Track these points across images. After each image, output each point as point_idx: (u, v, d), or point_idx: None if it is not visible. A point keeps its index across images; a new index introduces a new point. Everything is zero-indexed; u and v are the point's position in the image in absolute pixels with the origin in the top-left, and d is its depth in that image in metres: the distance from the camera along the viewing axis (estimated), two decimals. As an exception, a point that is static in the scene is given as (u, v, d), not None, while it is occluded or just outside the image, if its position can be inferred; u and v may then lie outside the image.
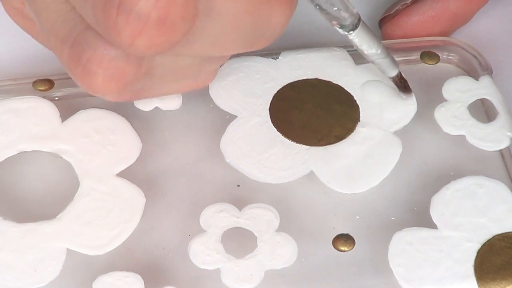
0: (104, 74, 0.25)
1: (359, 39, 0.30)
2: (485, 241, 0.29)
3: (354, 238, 0.30)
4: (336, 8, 0.28)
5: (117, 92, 0.26)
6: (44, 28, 0.26)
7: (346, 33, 0.30)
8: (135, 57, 0.25)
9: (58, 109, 0.32)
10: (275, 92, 0.33)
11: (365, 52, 0.31)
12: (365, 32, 0.30)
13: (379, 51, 0.31)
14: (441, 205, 0.30)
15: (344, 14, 0.29)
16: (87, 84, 0.26)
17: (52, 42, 0.26)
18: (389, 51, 0.32)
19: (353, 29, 0.30)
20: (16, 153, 0.31)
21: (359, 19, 0.29)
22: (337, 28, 0.29)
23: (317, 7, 0.28)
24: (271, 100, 0.33)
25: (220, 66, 0.32)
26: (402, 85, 0.32)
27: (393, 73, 0.32)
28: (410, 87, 0.33)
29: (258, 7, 0.26)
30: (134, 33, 0.23)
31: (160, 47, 0.24)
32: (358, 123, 0.32)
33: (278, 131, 0.32)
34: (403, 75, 0.32)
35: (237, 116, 0.32)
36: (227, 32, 0.26)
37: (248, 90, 0.33)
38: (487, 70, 0.34)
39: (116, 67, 0.25)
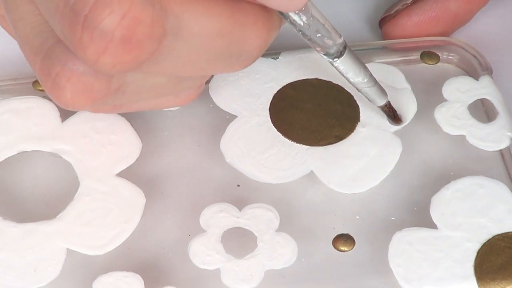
0: (72, 89, 0.25)
1: (345, 67, 0.29)
2: (485, 241, 0.29)
3: (354, 238, 0.30)
4: (319, 35, 0.27)
5: (87, 107, 0.26)
6: (19, 38, 0.26)
7: (330, 60, 0.29)
8: (104, 74, 0.25)
9: (58, 109, 0.32)
10: (275, 92, 0.33)
11: (351, 80, 0.30)
12: (352, 59, 0.29)
13: (365, 80, 0.30)
14: (441, 205, 0.30)
15: (328, 42, 0.28)
16: (56, 98, 0.26)
17: (26, 52, 0.26)
18: (388, 51, 0.32)
19: (338, 57, 0.28)
20: (16, 153, 0.31)
21: (345, 46, 0.28)
22: (322, 55, 0.28)
23: (300, 32, 0.27)
24: (271, 100, 0.33)
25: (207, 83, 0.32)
26: (391, 114, 0.32)
27: (382, 102, 0.31)
28: (399, 116, 0.32)
29: (231, 30, 0.25)
30: (98, 51, 0.23)
31: (126, 65, 0.24)
32: (358, 123, 0.32)
33: (278, 131, 0.32)
34: (392, 104, 0.32)
35: (237, 116, 0.32)
36: (199, 54, 0.25)
37: (248, 90, 0.33)
38: (487, 70, 0.34)
39: (85, 83, 0.25)
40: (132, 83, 0.26)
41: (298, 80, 0.34)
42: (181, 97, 0.29)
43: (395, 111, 0.32)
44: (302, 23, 0.27)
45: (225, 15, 0.25)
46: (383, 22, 0.37)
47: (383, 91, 0.31)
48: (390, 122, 0.32)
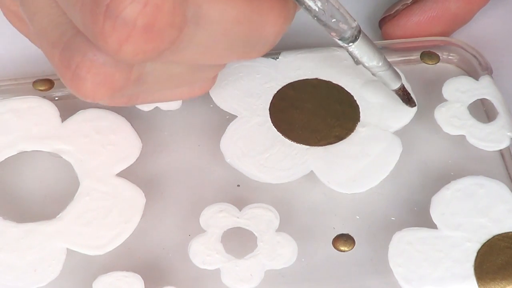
0: (93, 80, 0.25)
1: (359, 51, 0.29)
2: (485, 241, 0.29)
3: (354, 238, 0.30)
4: (334, 20, 0.27)
5: (107, 98, 0.26)
6: (37, 31, 0.26)
7: (346, 45, 0.29)
8: (124, 64, 0.25)
9: (58, 109, 0.32)
10: (275, 92, 0.33)
11: (366, 65, 0.30)
12: (366, 44, 0.29)
13: (380, 64, 0.30)
14: (441, 205, 0.30)
15: (343, 26, 0.28)
16: (76, 89, 0.25)
17: (44, 45, 0.26)
18: (388, 51, 0.32)
19: (353, 41, 0.29)
20: (16, 153, 0.31)
21: (359, 31, 0.29)
22: (337, 40, 0.29)
23: (315, 18, 0.27)
24: (271, 100, 0.33)
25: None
26: (405, 97, 0.32)
27: (396, 85, 0.31)
28: (414, 100, 0.32)
29: (249, 16, 0.25)
30: (121, 39, 0.23)
31: (147, 54, 0.24)
32: (358, 123, 0.32)
33: (278, 131, 0.32)
34: (406, 87, 0.32)
35: (237, 116, 0.32)
36: (218, 41, 0.26)
37: (248, 90, 0.33)
38: (487, 70, 0.34)
39: (105, 73, 0.25)
40: (151, 73, 0.27)
41: (298, 80, 0.34)
42: (196, 88, 0.30)
43: (409, 94, 0.32)
44: (317, 9, 0.27)
45: (243, 2, 0.25)
46: (383, 22, 0.37)
47: (397, 75, 0.31)
48: (405, 105, 0.32)
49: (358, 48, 0.29)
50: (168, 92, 0.29)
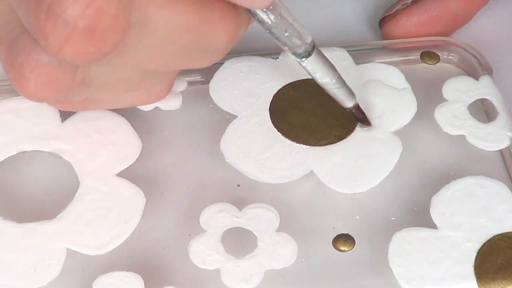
0: (36, 80, 0.25)
1: (312, 67, 0.29)
2: (485, 241, 0.29)
3: (354, 238, 0.30)
4: (287, 34, 0.27)
5: (51, 99, 0.26)
6: None
7: (299, 60, 0.28)
8: (68, 65, 0.25)
9: (58, 109, 0.32)
10: (275, 92, 0.33)
11: (319, 81, 0.30)
12: (320, 60, 0.29)
13: (333, 81, 0.30)
14: (441, 205, 0.30)
15: (297, 41, 0.27)
16: (20, 88, 0.25)
17: None
18: (388, 51, 0.31)
19: (306, 57, 0.28)
20: (16, 153, 0.31)
21: (314, 47, 0.28)
22: (290, 54, 0.28)
23: (268, 31, 0.27)
24: (271, 100, 0.33)
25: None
26: (360, 116, 0.32)
27: (350, 104, 0.31)
28: (368, 119, 0.32)
29: (197, 24, 0.25)
30: (61, 40, 0.23)
31: (89, 56, 0.23)
32: (358, 123, 0.32)
33: (278, 131, 0.32)
34: (360, 106, 0.31)
35: (237, 116, 0.32)
36: (164, 47, 0.25)
37: (248, 90, 0.33)
38: (487, 70, 0.34)
39: (49, 73, 0.25)
40: (97, 76, 0.26)
41: (298, 80, 0.34)
42: (151, 94, 0.29)
43: (364, 113, 0.32)
44: (270, 22, 0.26)
45: (191, 9, 0.25)
46: (383, 22, 0.37)
47: (351, 93, 0.31)
48: (359, 125, 0.32)
49: (311, 64, 0.29)
50: (122, 96, 0.29)
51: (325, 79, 0.29)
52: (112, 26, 0.23)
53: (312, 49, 0.28)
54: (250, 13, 0.26)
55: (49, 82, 0.25)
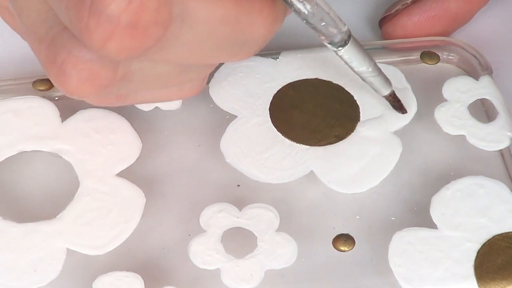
0: (78, 76, 0.25)
1: (349, 56, 0.29)
2: (485, 241, 0.29)
3: (354, 238, 0.30)
4: (324, 24, 0.27)
5: (93, 95, 0.26)
6: (25, 26, 0.26)
7: (335, 49, 0.29)
8: (110, 61, 0.25)
9: (58, 109, 0.32)
10: (275, 92, 0.33)
11: (355, 70, 0.30)
12: (356, 49, 0.29)
13: (370, 69, 0.30)
14: (441, 205, 0.30)
15: (333, 30, 0.28)
16: (62, 85, 0.25)
17: (31, 41, 0.26)
18: (388, 51, 0.32)
19: (343, 46, 0.28)
20: (16, 153, 0.31)
21: (350, 36, 0.28)
22: (326, 44, 0.28)
23: (305, 21, 0.27)
24: (271, 100, 0.33)
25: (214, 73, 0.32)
26: (396, 104, 0.32)
27: (386, 91, 0.31)
28: (404, 107, 0.32)
29: (237, 17, 0.25)
30: (105, 36, 0.23)
31: (132, 51, 0.24)
32: (358, 123, 0.32)
33: (278, 131, 0.32)
34: (396, 94, 0.32)
35: (237, 116, 0.32)
36: (204, 41, 0.25)
37: (248, 90, 0.33)
38: (487, 70, 0.34)
39: (91, 70, 0.25)
40: (138, 71, 0.27)
41: (298, 80, 0.34)
42: (185, 89, 0.29)
43: (400, 101, 0.32)
44: (306, 12, 0.27)
45: (231, 2, 0.25)
46: (383, 22, 0.37)
47: (387, 81, 0.31)
48: (396, 111, 0.32)
49: (347, 53, 0.29)
50: (157, 92, 0.29)
51: (361, 68, 0.30)
52: (154, 20, 0.23)
53: (348, 38, 0.28)
54: (287, 4, 0.26)
55: (91, 78, 0.25)
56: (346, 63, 0.30)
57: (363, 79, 0.31)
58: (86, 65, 0.25)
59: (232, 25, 0.25)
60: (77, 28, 0.23)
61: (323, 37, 0.28)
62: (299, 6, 0.26)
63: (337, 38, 0.28)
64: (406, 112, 0.32)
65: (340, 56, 0.29)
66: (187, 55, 0.26)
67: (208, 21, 0.25)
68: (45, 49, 0.25)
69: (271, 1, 0.26)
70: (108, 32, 0.23)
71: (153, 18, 0.23)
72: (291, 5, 0.26)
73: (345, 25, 0.28)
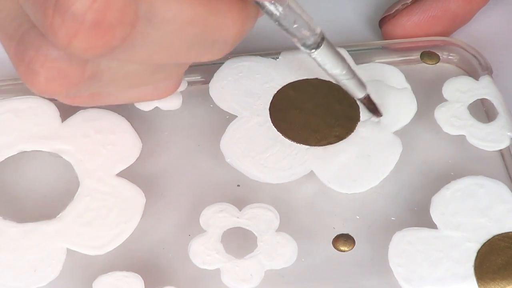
0: (46, 74, 0.25)
1: (322, 58, 0.29)
2: (485, 241, 0.29)
3: (354, 238, 0.30)
4: (296, 26, 0.27)
5: (62, 93, 0.26)
6: None
7: (308, 51, 0.28)
8: (78, 59, 0.25)
9: (58, 109, 0.32)
10: (275, 92, 0.33)
11: (329, 72, 0.29)
12: (329, 51, 0.29)
13: (344, 72, 0.30)
14: (441, 205, 0.30)
15: (306, 32, 0.27)
16: (30, 84, 0.25)
17: (2, 38, 0.26)
18: (388, 51, 0.32)
19: (316, 48, 0.28)
20: (16, 153, 0.31)
21: (323, 38, 0.28)
22: (299, 46, 0.28)
23: (277, 23, 0.27)
24: (271, 100, 0.33)
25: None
26: (371, 107, 0.32)
27: (361, 94, 0.31)
28: (379, 110, 0.32)
29: (205, 17, 0.25)
30: (70, 34, 0.23)
31: (97, 50, 0.24)
32: (358, 123, 0.32)
33: (278, 131, 0.32)
34: (371, 97, 0.31)
35: (237, 116, 0.32)
36: (172, 40, 0.25)
37: (248, 90, 0.33)
38: (487, 70, 0.34)
39: (59, 68, 0.25)
40: (107, 70, 0.26)
41: (298, 80, 0.34)
42: (160, 89, 0.29)
43: (375, 104, 0.32)
44: (278, 13, 0.26)
45: (199, 2, 0.25)
46: (383, 22, 0.37)
47: (362, 84, 0.31)
48: (371, 116, 0.32)
49: (320, 55, 0.29)
50: (131, 91, 0.29)
51: (335, 70, 0.29)
52: (120, 19, 0.23)
53: (322, 40, 0.28)
54: (259, 5, 0.26)
55: (60, 77, 0.25)
56: (319, 65, 0.29)
57: (337, 82, 0.30)
58: (54, 63, 0.25)
59: (200, 26, 0.25)
60: (43, 26, 0.23)
61: (295, 39, 0.28)
62: (271, 8, 0.26)
63: (310, 41, 0.28)
64: (381, 115, 0.32)
65: (313, 59, 0.29)
66: (156, 55, 0.26)
67: (176, 21, 0.25)
68: (14, 46, 0.25)
69: (241, 2, 0.26)
70: (73, 31, 0.23)
71: (118, 17, 0.23)
72: (262, 7, 0.26)
73: (318, 27, 0.28)
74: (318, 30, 0.28)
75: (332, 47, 0.29)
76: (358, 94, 0.31)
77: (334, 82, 0.31)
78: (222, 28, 0.26)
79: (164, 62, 0.27)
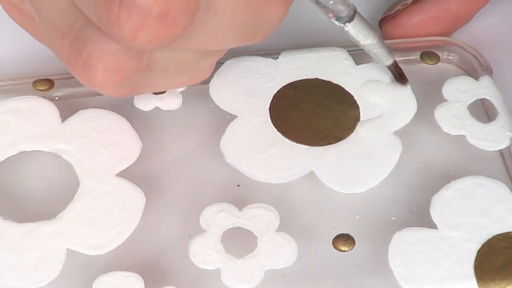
0: (104, 68, 0.25)
1: (355, 30, 0.30)
2: (485, 241, 0.29)
3: (354, 238, 0.30)
4: (332, 1, 0.29)
5: (117, 86, 0.26)
6: (44, 23, 0.26)
7: (342, 25, 0.30)
8: (135, 51, 0.25)
9: (58, 109, 0.32)
10: (275, 92, 0.33)
11: (361, 43, 0.31)
12: (361, 23, 0.30)
13: (375, 41, 0.31)
14: (441, 205, 0.30)
15: (340, 7, 0.29)
16: (87, 79, 0.26)
17: (52, 37, 0.26)
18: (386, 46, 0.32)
19: (349, 21, 0.30)
20: (16, 153, 0.31)
21: (355, 11, 0.30)
22: (333, 21, 0.30)
23: (314, 0, 0.28)
24: (271, 100, 0.33)
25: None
26: (397, 74, 0.33)
27: (389, 61, 0.32)
28: (406, 76, 0.33)
29: (256, 0, 0.26)
30: (136, 27, 0.23)
31: (161, 40, 0.24)
32: (358, 123, 0.32)
33: (278, 131, 0.32)
34: (398, 64, 0.33)
35: (237, 116, 0.32)
36: (226, 26, 0.26)
37: (248, 90, 0.33)
38: (487, 70, 0.34)
39: (117, 61, 0.25)
40: (160, 60, 0.27)
41: (298, 80, 0.34)
42: (197, 75, 0.30)
43: (402, 70, 0.33)
44: None
45: None
46: (383, 22, 0.37)
47: (390, 52, 0.32)
48: (397, 82, 0.33)
49: (353, 28, 0.30)
50: (172, 79, 0.29)
51: (367, 41, 0.31)
52: (183, 9, 0.24)
53: (354, 14, 0.30)
54: None
55: (117, 70, 0.25)
56: (352, 37, 0.31)
57: (368, 52, 0.32)
58: (112, 57, 0.25)
59: (252, 8, 0.26)
60: (106, 21, 0.24)
61: (330, 15, 0.29)
62: None
63: (344, 14, 0.30)
64: (407, 81, 0.33)
65: (346, 32, 0.30)
66: (210, 41, 0.26)
67: (231, 5, 0.25)
68: (68, 43, 0.25)
69: None
70: (140, 23, 0.23)
71: (182, 6, 0.23)
72: None
73: (350, 1, 0.29)
74: (350, 4, 0.30)
75: (364, 19, 0.30)
76: (386, 61, 0.33)
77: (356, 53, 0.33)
78: (271, 9, 0.26)
79: (216, 48, 0.28)
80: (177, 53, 0.27)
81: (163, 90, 0.31)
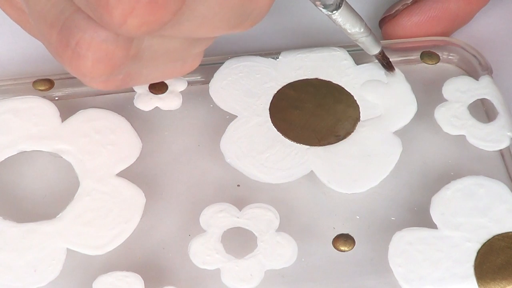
0: (93, 57, 0.25)
1: (342, 18, 0.30)
2: (485, 241, 0.29)
3: (354, 238, 0.30)
4: None
5: (106, 75, 0.26)
6: (33, 13, 0.26)
7: (329, 12, 0.30)
8: (124, 40, 0.25)
9: (58, 109, 0.32)
10: (275, 92, 0.33)
11: (349, 31, 0.31)
12: (348, 11, 0.30)
13: (362, 30, 0.31)
14: (441, 205, 0.30)
15: None
16: (76, 67, 0.25)
17: (41, 27, 0.26)
18: (388, 51, 0.32)
19: (336, 9, 0.30)
20: (16, 153, 0.31)
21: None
22: (321, 8, 0.29)
23: None
24: (271, 100, 0.33)
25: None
26: (385, 62, 0.33)
27: (376, 50, 0.33)
28: (393, 65, 0.33)
29: None
30: (126, 12, 0.23)
31: (150, 26, 0.24)
32: (358, 123, 0.32)
33: (278, 131, 0.32)
34: (385, 52, 0.33)
35: (237, 116, 0.32)
36: (215, 12, 0.26)
37: (248, 90, 0.33)
38: (487, 70, 0.34)
39: (106, 50, 0.25)
40: (148, 48, 0.27)
41: (298, 80, 0.34)
42: (186, 65, 0.29)
43: (389, 59, 0.33)
44: None
45: None
46: (383, 22, 0.37)
47: (377, 40, 0.32)
48: (385, 70, 0.33)
49: (341, 16, 0.30)
50: (161, 68, 0.29)
51: (354, 29, 0.31)
52: None
53: (341, 1, 0.30)
54: None
55: (106, 58, 0.25)
56: (339, 26, 0.31)
57: (355, 40, 0.32)
58: (101, 45, 0.25)
59: None
60: (95, 7, 0.23)
61: (318, 2, 0.29)
62: None
63: (331, 1, 0.29)
64: (394, 70, 0.33)
65: (333, 20, 0.30)
66: (198, 28, 0.26)
67: None
68: (57, 33, 0.25)
69: None
70: (129, 8, 0.23)
71: None
72: None
73: None
74: None
75: (351, 8, 0.30)
76: (373, 50, 0.33)
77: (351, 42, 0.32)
78: None
79: (205, 36, 0.27)
80: (165, 41, 0.27)
81: (153, 82, 0.31)
